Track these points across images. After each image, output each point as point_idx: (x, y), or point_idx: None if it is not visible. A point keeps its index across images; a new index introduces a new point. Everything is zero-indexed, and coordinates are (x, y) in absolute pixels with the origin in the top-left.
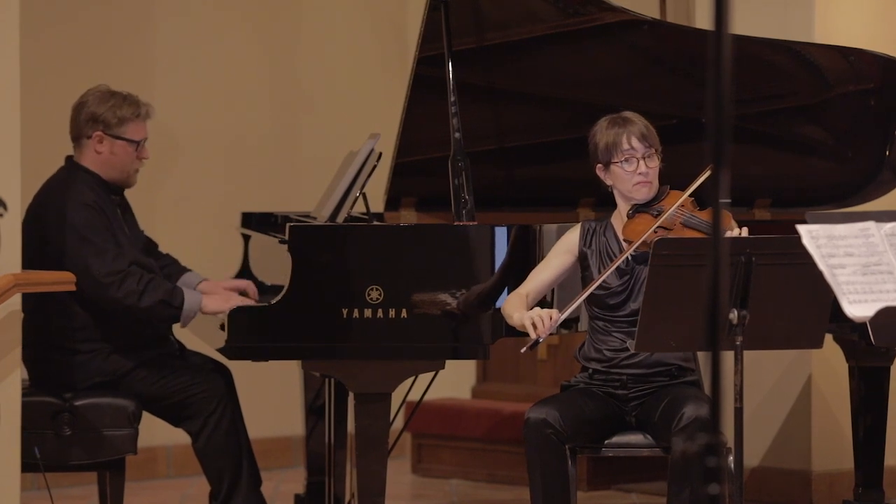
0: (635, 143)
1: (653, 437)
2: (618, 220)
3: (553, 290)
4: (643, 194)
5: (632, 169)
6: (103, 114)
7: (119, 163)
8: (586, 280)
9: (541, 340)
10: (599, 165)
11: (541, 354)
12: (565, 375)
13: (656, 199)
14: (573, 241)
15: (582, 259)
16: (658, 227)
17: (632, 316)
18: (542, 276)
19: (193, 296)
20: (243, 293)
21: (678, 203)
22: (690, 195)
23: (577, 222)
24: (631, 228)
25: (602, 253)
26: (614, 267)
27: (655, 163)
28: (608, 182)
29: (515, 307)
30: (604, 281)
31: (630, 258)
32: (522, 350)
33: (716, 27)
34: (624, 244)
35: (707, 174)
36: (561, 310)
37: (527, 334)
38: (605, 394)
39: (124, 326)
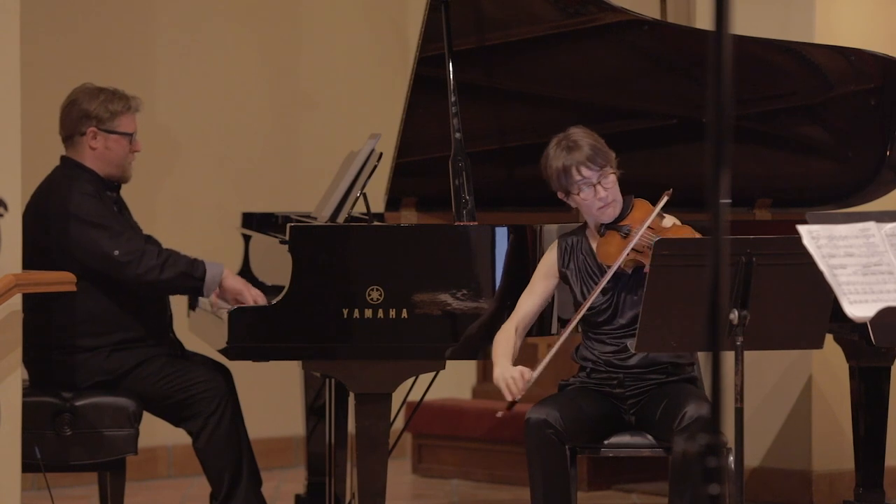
0: (585, 171)
1: (654, 437)
2: (593, 234)
3: (553, 298)
4: (609, 216)
5: (591, 196)
6: (95, 109)
7: (115, 157)
8: (573, 296)
9: (517, 401)
10: (560, 193)
11: (541, 354)
12: (565, 375)
13: (623, 214)
14: (552, 264)
15: (563, 279)
16: (631, 250)
17: (621, 329)
18: (527, 304)
19: (215, 266)
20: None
21: (642, 230)
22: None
23: (577, 223)
24: (604, 251)
25: (582, 272)
26: (594, 295)
27: (611, 180)
28: (573, 205)
29: (500, 353)
30: (583, 301)
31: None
32: (498, 414)
33: (716, 27)
34: (603, 265)
35: (665, 199)
36: (534, 368)
37: None
38: (603, 393)
39: (126, 323)
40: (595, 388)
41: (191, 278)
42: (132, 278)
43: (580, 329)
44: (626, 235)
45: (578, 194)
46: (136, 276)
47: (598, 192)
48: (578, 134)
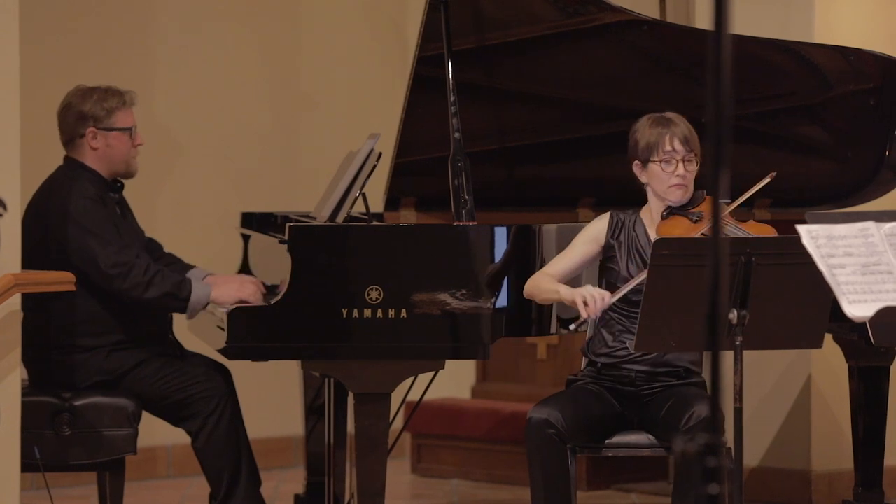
0: (677, 145)
1: (656, 437)
2: (648, 216)
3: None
4: (677, 196)
5: (670, 170)
6: (91, 109)
7: (117, 154)
8: (608, 271)
9: (591, 319)
10: (637, 162)
11: (540, 354)
12: (565, 375)
13: (691, 203)
14: (601, 231)
15: (607, 249)
16: (702, 233)
17: None
18: (565, 261)
19: (202, 288)
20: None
21: (727, 211)
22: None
23: (578, 222)
24: (666, 230)
25: (631, 248)
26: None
27: (694, 167)
28: (643, 180)
29: (552, 282)
30: (631, 276)
31: None
32: (572, 327)
33: (716, 27)
34: None
35: (760, 185)
36: (612, 293)
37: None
38: (611, 390)
39: (126, 323)
40: (605, 385)
41: (175, 299)
42: (117, 292)
43: (602, 319)
44: (697, 220)
45: (660, 164)
46: (122, 291)
47: (677, 169)
48: (677, 116)
